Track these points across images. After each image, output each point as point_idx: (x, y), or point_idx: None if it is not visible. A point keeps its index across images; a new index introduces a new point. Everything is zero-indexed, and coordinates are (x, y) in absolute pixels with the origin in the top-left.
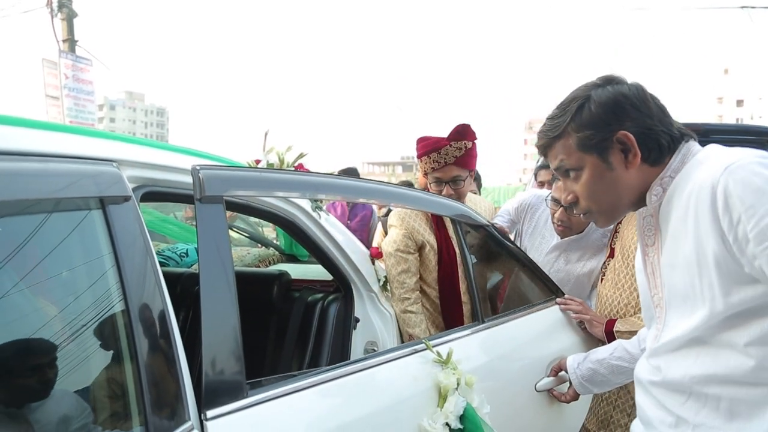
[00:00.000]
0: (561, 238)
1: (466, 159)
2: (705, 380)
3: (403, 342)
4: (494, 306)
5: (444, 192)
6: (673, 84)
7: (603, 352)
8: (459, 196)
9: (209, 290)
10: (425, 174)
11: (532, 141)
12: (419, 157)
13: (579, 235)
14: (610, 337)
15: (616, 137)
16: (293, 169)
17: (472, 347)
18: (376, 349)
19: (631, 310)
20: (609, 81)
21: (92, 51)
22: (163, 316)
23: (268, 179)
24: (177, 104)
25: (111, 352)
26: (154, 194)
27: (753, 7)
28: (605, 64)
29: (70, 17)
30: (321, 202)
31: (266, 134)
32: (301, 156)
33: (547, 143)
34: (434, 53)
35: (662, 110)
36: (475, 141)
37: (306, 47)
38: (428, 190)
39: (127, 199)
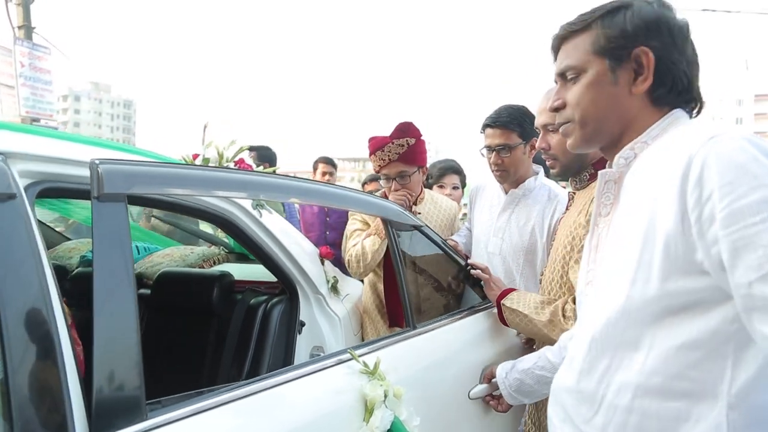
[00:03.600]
0: (501, 184)
1: (410, 155)
2: (619, 387)
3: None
4: (426, 311)
5: (393, 188)
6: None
7: (528, 361)
8: (409, 191)
9: (104, 302)
10: (376, 171)
11: None
12: (369, 156)
13: (524, 187)
14: (499, 307)
15: (635, 51)
16: (233, 164)
17: (402, 355)
18: (322, 354)
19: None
20: (660, 3)
21: (53, 39)
22: (47, 327)
23: (181, 176)
24: (144, 96)
25: None
26: (55, 190)
27: None
28: None
29: (26, 3)
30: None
31: (205, 127)
32: (240, 150)
33: (564, 35)
34: (410, 47)
35: (695, 59)
36: (420, 138)
37: (278, 39)
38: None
39: (12, 197)
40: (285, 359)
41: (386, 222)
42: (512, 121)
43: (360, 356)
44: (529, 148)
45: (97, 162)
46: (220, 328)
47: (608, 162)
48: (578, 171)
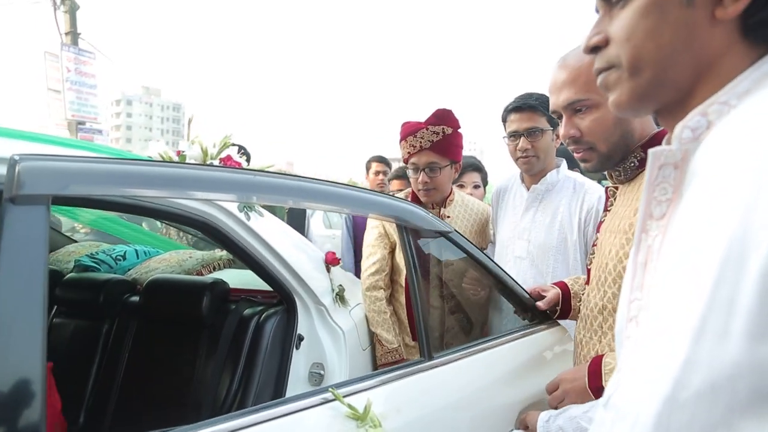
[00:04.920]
0: (526, 173)
1: (444, 145)
2: None
3: (374, 346)
4: (450, 336)
5: (420, 179)
6: None
7: (578, 408)
8: (436, 186)
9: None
10: (405, 160)
11: None
12: (399, 142)
13: (546, 182)
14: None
15: None
16: (218, 162)
17: (413, 392)
18: (323, 372)
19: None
20: None
21: (103, 45)
22: None
23: (122, 173)
24: (193, 99)
25: None
26: None
27: None
28: None
29: (72, 9)
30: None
31: (190, 121)
32: (225, 146)
33: None
34: (448, 48)
35: None
36: (458, 129)
37: (324, 38)
38: (378, 189)
39: None
40: (278, 376)
41: (402, 228)
42: (541, 105)
43: (353, 394)
44: (555, 137)
45: (17, 158)
46: (211, 340)
47: (666, 136)
48: (621, 159)
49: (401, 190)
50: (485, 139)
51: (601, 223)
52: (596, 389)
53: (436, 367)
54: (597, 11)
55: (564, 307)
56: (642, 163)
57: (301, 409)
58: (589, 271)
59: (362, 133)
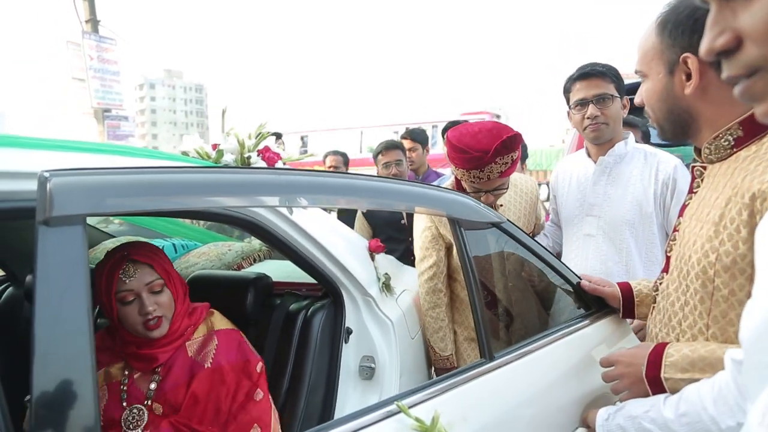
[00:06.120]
0: (596, 143)
1: (512, 168)
2: None
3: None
4: (510, 333)
5: (483, 199)
6: None
7: (638, 406)
8: (497, 197)
9: (45, 355)
10: (463, 180)
11: None
12: (457, 167)
13: (615, 154)
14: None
15: None
16: (256, 153)
17: (477, 396)
18: (373, 366)
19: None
20: None
21: (122, 30)
22: None
23: (160, 184)
24: (214, 79)
25: None
26: None
27: None
28: None
29: None
30: None
31: (224, 112)
32: (262, 137)
33: None
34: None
35: None
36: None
37: (350, 17)
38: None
39: None
40: (329, 372)
41: (454, 222)
42: (608, 72)
43: (416, 405)
44: (623, 106)
45: (47, 175)
46: (258, 338)
47: None
48: (715, 135)
49: (389, 163)
50: (509, 104)
51: (684, 206)
52: (653, 379)
53: (499, 367)
54: (705, 3)
55: (625, 311)
56: (738, 143)
57: (365, 425)
58: (668, 258)
59: (380, 102)
